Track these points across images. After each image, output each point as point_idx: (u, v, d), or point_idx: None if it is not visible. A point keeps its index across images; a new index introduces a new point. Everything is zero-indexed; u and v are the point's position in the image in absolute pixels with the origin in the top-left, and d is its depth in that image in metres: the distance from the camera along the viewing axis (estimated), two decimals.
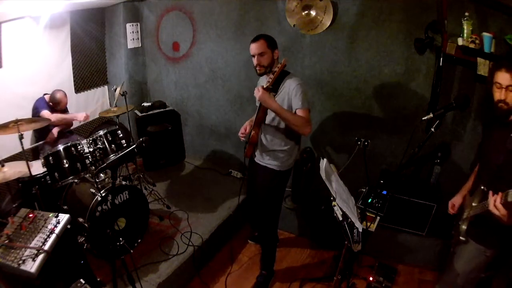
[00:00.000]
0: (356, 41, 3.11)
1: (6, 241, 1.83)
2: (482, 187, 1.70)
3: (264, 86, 2.19)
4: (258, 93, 2.19)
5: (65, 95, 3.32)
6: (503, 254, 1.78)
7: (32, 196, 2.69)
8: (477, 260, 1.79)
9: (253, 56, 2.28)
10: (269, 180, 2.48)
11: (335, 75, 3.29)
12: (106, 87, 4.35)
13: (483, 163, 1.89)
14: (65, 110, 3.44)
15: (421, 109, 2.96)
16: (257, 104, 2.37)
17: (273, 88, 2.24)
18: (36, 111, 3.23)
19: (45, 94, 3.34)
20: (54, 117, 3.15)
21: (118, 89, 3.30)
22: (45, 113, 3.16)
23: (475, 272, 1.84)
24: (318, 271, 2.96)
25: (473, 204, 1.76)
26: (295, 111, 2.20)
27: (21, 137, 2.45)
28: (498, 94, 1.63)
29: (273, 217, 2.66)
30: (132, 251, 2.46)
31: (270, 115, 2.36)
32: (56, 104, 3.27)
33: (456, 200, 2.04)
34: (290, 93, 2.22)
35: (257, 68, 2.29)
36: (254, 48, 2.25)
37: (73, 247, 2.08)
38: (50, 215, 1.95)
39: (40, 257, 1.75)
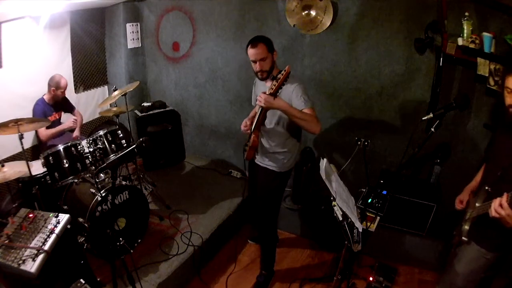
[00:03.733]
0: (356, 41, 3.11)
1: (6, 241, 1.83)
2: (486, 188, 1.69)
3: (267, 93, 2.09)
4: (261, 100, 2.06)
5: (62, 76, 3.28)
6: (504, 255, 1.78)
7: (32, 196, 2.69)
8: (477, 262, 1.79)
9: (254, 61, 2.22)
10: (269, 181, 2.49)
11: (335, 75, 3.29)
12: (106, 87, 4.35)
13: (489, 166, 1.88)
14: (64, 100, 3.43)
15: (421, 109, 2.97)
16: (257, 109, 2.35)
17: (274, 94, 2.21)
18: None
19: (44, 95, 3.31)
20: (46, 134, 3.20)
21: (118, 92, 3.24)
22: (41, 130, 3.20)
23: (475, 273, 1.83)
24: (318, 271, 2.96)
25: (477, 204, 1.75)
26: None
27: (21, 137, 2.45)
28: (509, 99, 1.60)
29: (271, 217, 2.65)
30: (132, 251, 2.45)
31: (269, 118, 2.34)
32: (57, 88, 3.22)
33: (463, 197, 2.00)
34: (290, 95, 2.20)
35: (259, 74, 2.25)
36: (254, 53, 2.18)
37: (73, 247, 2.08)
38: (50, 215, 1.95)
39: (40, 257, 1.75)
